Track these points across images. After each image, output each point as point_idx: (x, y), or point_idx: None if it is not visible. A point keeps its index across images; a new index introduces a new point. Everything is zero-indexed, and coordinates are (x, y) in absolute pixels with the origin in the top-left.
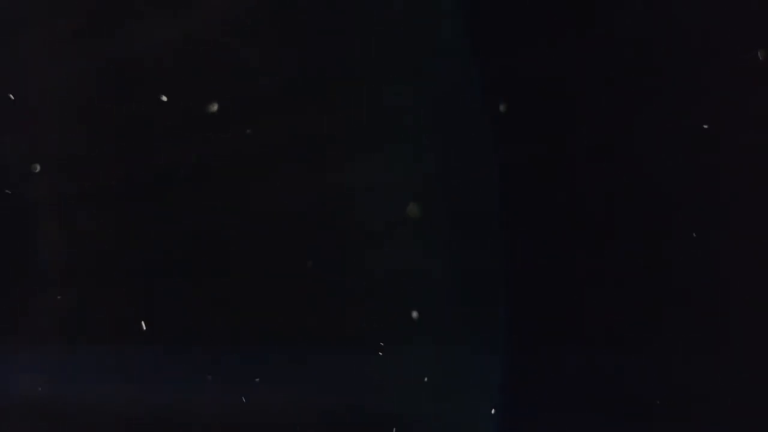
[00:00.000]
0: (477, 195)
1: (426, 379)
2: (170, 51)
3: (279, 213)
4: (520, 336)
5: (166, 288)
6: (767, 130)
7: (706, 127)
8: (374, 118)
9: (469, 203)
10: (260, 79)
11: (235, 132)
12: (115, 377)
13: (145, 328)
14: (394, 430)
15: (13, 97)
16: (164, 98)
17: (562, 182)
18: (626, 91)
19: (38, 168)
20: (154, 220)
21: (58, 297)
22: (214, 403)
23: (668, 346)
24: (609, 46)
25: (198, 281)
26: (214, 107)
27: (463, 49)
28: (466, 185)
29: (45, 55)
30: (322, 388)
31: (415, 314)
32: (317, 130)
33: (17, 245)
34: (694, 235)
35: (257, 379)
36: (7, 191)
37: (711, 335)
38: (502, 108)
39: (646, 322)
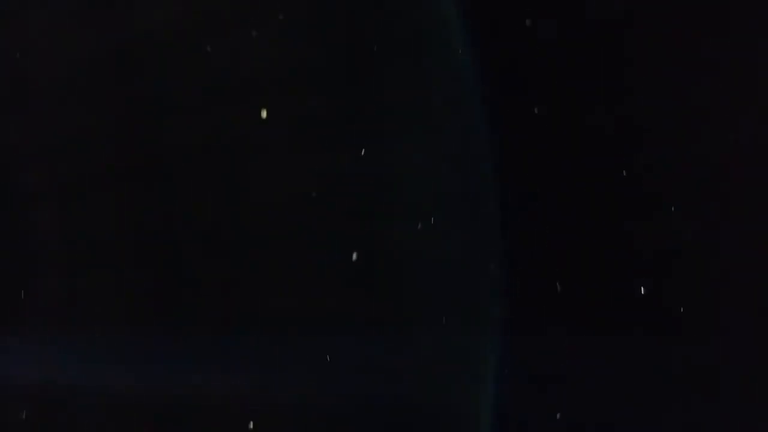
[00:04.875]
0: (475, 193)
1: (423, 368)
2: (170, 35)
3: (279, 199)
4: (519, 329)
5: (164, 273)
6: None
7: (706, 127)
8: (373, 114)
9: (468, 201)
10: (262, 65)
11: (234, 117)
12: (111, 363)
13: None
14: (391, 416)
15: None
16: (166, 83)
17: (562, 180)
18: (627, 91)
19: None
20: (152, 206)
21: (55, 282)
22: (214, 388)
23: (670, 341)
24: (609, 44)
25: (197, 266)
26: (216, 93)
27: (463, 46)
28: (464, 185)
29: (41, 40)
30: (325, 375)
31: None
32: (314, 120)
33: (12, 231)
34: (695, 230)
35: (258, 365)
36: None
37: (713, 328)
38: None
39: (648, 315)
